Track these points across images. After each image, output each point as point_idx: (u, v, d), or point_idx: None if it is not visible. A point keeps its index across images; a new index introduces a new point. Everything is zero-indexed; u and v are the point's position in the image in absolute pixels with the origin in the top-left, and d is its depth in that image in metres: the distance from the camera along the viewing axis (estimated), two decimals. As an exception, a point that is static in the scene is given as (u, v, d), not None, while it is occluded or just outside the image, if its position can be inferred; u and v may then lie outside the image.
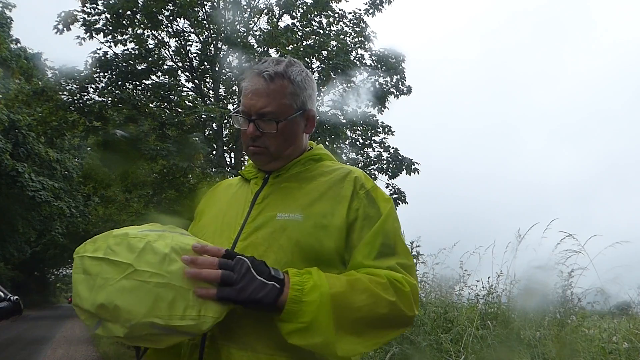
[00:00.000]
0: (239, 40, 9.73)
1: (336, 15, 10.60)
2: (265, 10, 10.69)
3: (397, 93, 10.77)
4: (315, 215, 1.06)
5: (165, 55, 10.40)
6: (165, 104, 10.24)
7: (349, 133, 10.75)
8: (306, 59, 10.00)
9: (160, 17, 9.79)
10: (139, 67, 10.02)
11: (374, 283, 0.98)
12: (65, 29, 9.56)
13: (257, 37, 10.11)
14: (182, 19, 10.00)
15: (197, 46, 10.44)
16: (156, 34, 10.16)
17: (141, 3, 9.47)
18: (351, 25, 10.65)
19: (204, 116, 9.25)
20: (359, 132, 10.96)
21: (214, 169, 9.94)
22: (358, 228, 1.06)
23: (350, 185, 1.11)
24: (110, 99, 9.72)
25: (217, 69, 10.44)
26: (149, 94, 10.17)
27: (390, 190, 11.03)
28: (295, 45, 9.87)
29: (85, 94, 9.88)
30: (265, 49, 10.06)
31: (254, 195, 1.15)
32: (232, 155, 10.68)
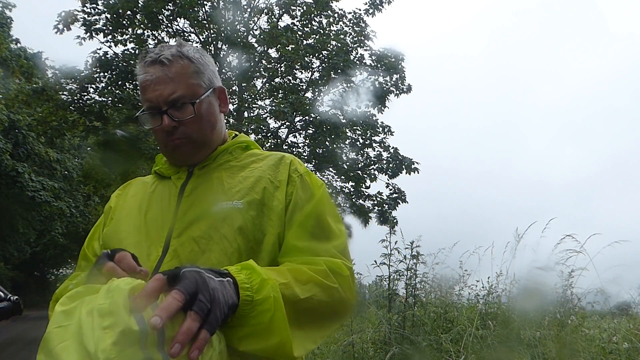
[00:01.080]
0: (239, 40, 9.74)
1: (336, 15, 10.61)
2: (265, 10, 10.70)
3: (397, 92, 10.78)
4: (256, 202, 0.99)
5: (165, 55, 10.40)
6: (166, 104, 10.23)
7: (349, 133, 10.76)
8: (306, 58, 10.01)
9: (160, 17, 9.80)
10: (139, 67, 10.02)
11: (315, 271, 0.90)
12: (65, 28, 9.58)
13: (257, 36, 10.11)
14: (182, 19, 10.02)
15: (197, 46, 10.45)
16: (156, 34, 10.17)
17: (141, 3, 9.48)
18: (351, 25, 10.65)
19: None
20: (359, 132, 10.96)
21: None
22: (290, 211, 1.00)
23: (286, 169, 1.05)
24: (110, 98, 9.73)
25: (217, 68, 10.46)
26: (149, 94, 10.16)
27: (390, 189, 11.04)
28: (295, 45, 9.88)
29: (86, 93, 9.90)
30: (265, 48, 10.06)
31: (179, 188, 1.04)
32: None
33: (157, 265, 0.94)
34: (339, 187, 11.02)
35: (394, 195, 10.95)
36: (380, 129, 10.86)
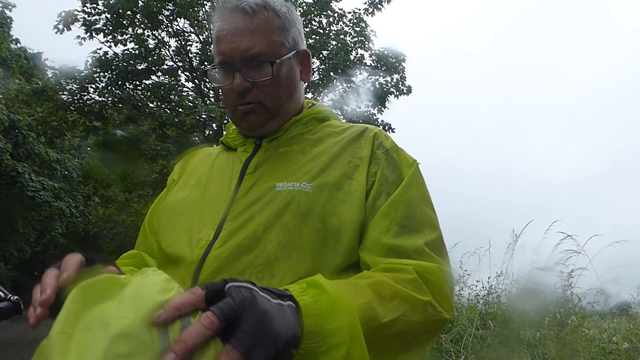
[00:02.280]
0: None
1: (336, 15, 10.61)
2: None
3: (397, 93, 10.80)
4: (329, 185, 0.82)
5: (165, 55, 10.41)
6: (165, 104, 10.25)
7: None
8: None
9: (160, 17, 9.80)
10: (139, 67, 10.03)
11: (402, 282, 0.72)
12: (65, 28, 9.57)
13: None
14: (182, 18, 10.01)
15: (197, 46, 10.46)
16: (156, 34, 10.17)
17: (141, 3, 9.48)
18: (351, 25, 10.66)
19: (204, 116, 9.26)
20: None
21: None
22: (373, 196, 0.83)
23: (368, 144, 0.89)
24: (110, 99, 9.73)
25: (217, 68, 10.46)
26: (149, 93, 10.18)
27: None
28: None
29: (85, 93, 9.90)
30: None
31: (243, 163, 0.90)
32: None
33: (205, 252, 0.80)
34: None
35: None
36: (381, 127, 10.89)
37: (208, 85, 11.03)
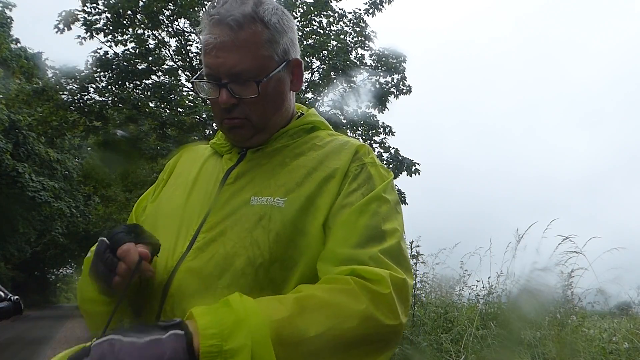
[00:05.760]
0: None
1: (336, 15, 10.61)
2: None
3: (397, 93, 10.79)
4: (302, 200, 0.81)
5: (166, 55, 10.41)
6: (166, 103, 10.25)
7: (349, 133, 10.76)
8: (306, 58, 10.02)
9: (160, 17, 9.80)
10: (140, 67, 10.03)
11: (335, 292, 0.70)
12: (65, 28, 9.57)
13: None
14: (182, 18, 10.01)
15: (197, 46, 10.45)
16: (156, 34, 10.17)
17: (142, 3, 9.48)
18: (351, 25, 10.66)
19: (204, 116, 9.26)
20: (359, 132, 10.97)
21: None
22: (338, 204, 0.82)
23: (347, 157, 0.87)
24: (110, 98, 9.74)
25: (217, 68, 10.47)
26: (149, 93, 10.18)
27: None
28: (295, 45, 9.89)
29: (86, 93, 9.91)
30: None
31: (224, 173, 0.90)
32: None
33: (177, 264, 0.81)
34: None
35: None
36: (382, 129, 10.88)
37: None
